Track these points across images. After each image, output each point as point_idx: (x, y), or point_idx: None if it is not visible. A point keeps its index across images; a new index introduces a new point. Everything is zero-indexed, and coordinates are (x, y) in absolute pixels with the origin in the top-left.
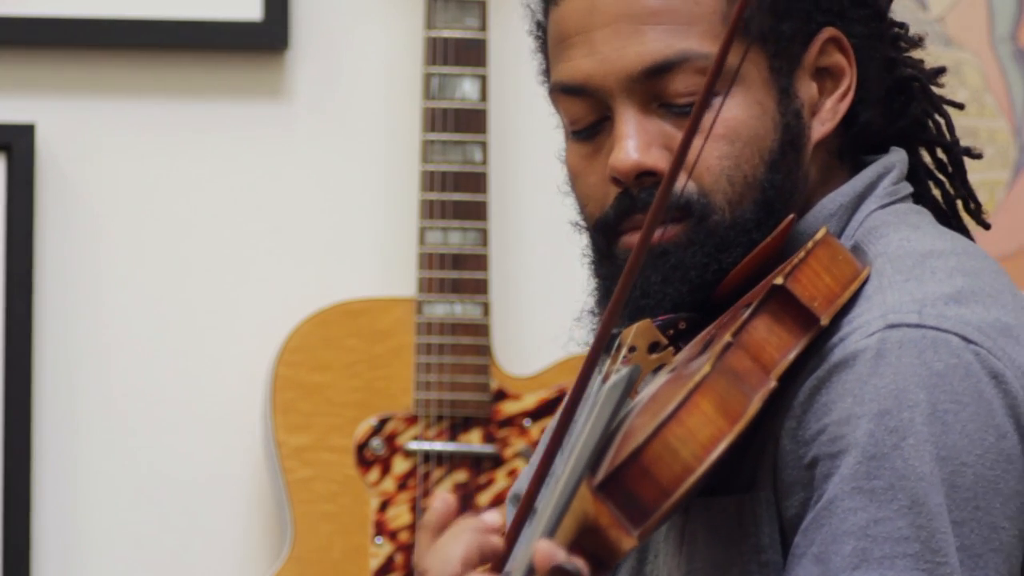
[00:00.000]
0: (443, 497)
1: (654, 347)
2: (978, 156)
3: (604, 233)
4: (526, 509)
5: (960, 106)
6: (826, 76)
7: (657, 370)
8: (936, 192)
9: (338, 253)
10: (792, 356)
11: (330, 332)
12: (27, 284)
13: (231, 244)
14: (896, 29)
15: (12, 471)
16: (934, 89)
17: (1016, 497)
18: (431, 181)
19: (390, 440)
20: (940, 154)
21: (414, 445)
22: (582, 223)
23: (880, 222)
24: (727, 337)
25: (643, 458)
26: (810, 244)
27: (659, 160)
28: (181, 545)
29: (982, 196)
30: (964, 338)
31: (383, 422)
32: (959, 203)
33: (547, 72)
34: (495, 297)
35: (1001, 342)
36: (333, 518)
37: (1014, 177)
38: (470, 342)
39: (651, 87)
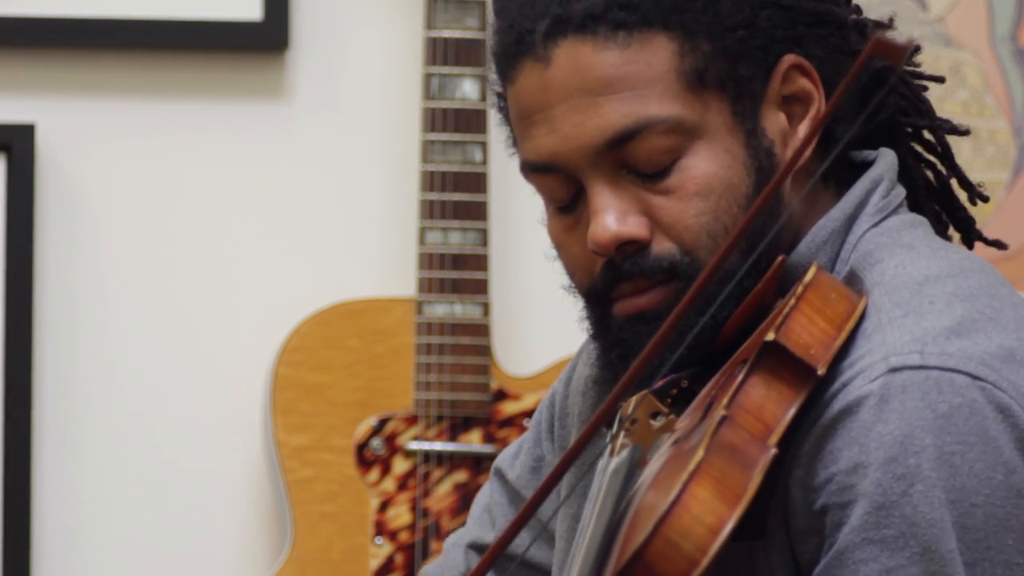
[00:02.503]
0: None
1: (656, 415)
2: (965, 132)
3: (596, 302)
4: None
5: (940, 79)
6: (794, 103)
7: (663, 437)
8: (929, 174)
9: (338, 253)
10: (792, 412)
11: (330, 332)
12: (27, 284)
13: (231, 244)
14: (854, 16)
15: (12, 471)
16: (911, 69)
17: None
18: (431, 181)
19: (390, 440)
20: (928, 136)
21: (414, 445)
22: (574, 292)
23: (874, 245)
24: (720, 411)
25: (646, 557)
26: (800, 288)
27: (637, 228)
28: (181, 545)
29: None
30: (968, 374)
31: (383, 422)
32: (953, 183)
33: (514, 144)
34: (495, 297)
35: (1005, 371)
36: (333, 518)
37: (1014, 177)
38: (470, 342)
39: (617, 156)
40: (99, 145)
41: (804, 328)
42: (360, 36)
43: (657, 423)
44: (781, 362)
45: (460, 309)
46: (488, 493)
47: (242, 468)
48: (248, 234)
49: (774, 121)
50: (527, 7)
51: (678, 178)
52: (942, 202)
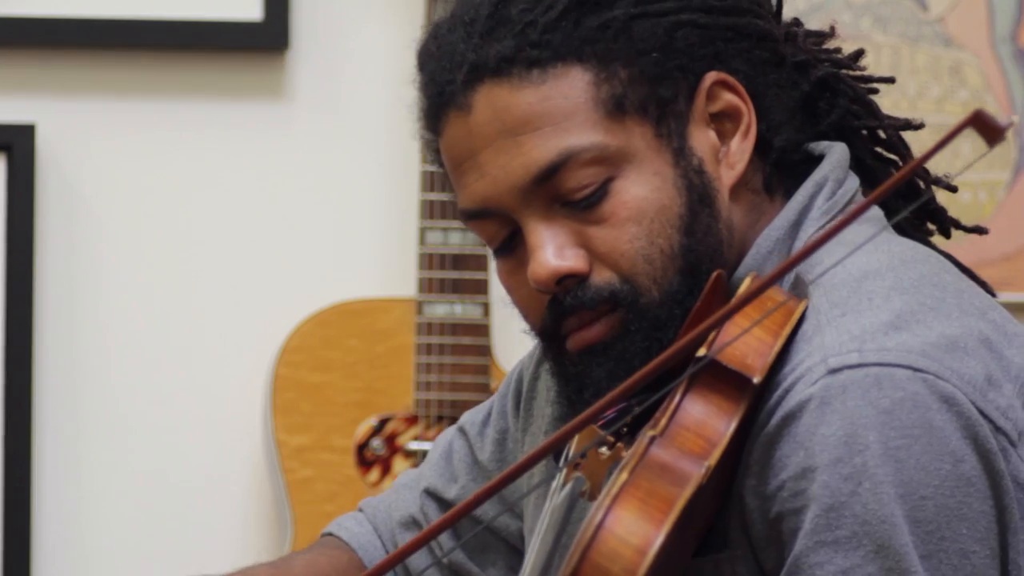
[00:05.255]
0: None
1: (603, 445)
2: (919, 126)
3: (550, 340)
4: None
5: (890, 80)
6: (723, 119)
7: (615, 466)
8: (893, 171)
9: (338, 253)
10: (733, 426)
11: (330, 332)
12: (27, 284)
13: (231, 244)
14: (792, 28)
15: (12, 471)
16: (859, 72)
17: (983, 517)
18: (431, 181)
19: (390, 440)
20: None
21: (414, 445)
22: (529, 329)
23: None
24: (649, 432)
25: None
26: (734, 301)
27: (575, 261)
28: (181, 545)
29: (982, 196)
30: (908, 367)
31: (383, 422)
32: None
33: (454, 195)
34: (495, 297)
35: (947, 360)
36: (333, 518)
37: (1014, 177)
38: (470, 342)
39: (547, 191)
40: (99, 145)
41: (739, 339)
42: (360, 36)
43: (605, 454)
44: (717, 376)
45: (460, 309)
46: (449, 442)
47: (242, 468)
48: (248, 234)
49: (703, 139)
50: (445, 59)
51: (610, 205)
52: (909, 198)
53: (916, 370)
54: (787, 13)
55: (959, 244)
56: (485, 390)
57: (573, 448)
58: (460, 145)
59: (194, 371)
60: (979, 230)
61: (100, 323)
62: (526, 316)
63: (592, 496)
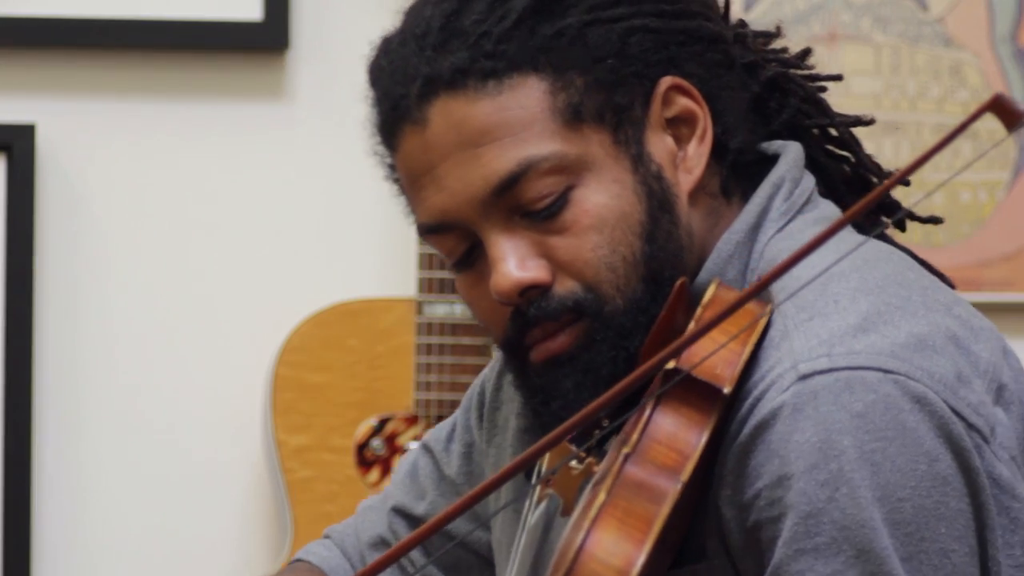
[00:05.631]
0: None
1: (576, 460)
2: (869, 122)
3: (513, 352)
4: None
5: (838, 78)
6: (679, 124)
7: (587, 481)
8: (846, 168)
9: (338, 253)
10: (705, 437)
11: (330, 332)
12: (27, 284)
13: (231, 244)
14: (740, 30)
15: (12, 471)
16: (807, 71)
17: (960, 515)
18: None
19: (390, 440)
20: (835, 133)
21: (414, 445)
22: (493, 341)
23: (778, 251)
24: (624, 449)
25: None
26: (699, 310)
27: (537, 271)
28: (181, 545)
29: (982, 196)
30: (879, 369)
31: (383, 422)
32: (869, 174)
33: (410, 210)
34: None
35: (917, 360)
36: (333, 518)
37: (1014, 177)
38: (470, 342)
39: (507, 202)
40: (99, 145)
41: (706, 349)
42: (360, 36)
43: (577, 468)
44: (686, 388)
45: (460, 309)
46: (413, 461)
47: (242, 468)
48: (248, 234)
49: (660, 145)
50: (398, 73)
51: (571, 214)
52: (863, 193)
53: (886, 371)
54: (787, 13)
55: (960, 244)
56: None
57: (545, 465)
58: (417, 159)
59: (194, 371)
60: (934, 220)
61: (100, 323)
62: (489, 329)
63: (566, 511)
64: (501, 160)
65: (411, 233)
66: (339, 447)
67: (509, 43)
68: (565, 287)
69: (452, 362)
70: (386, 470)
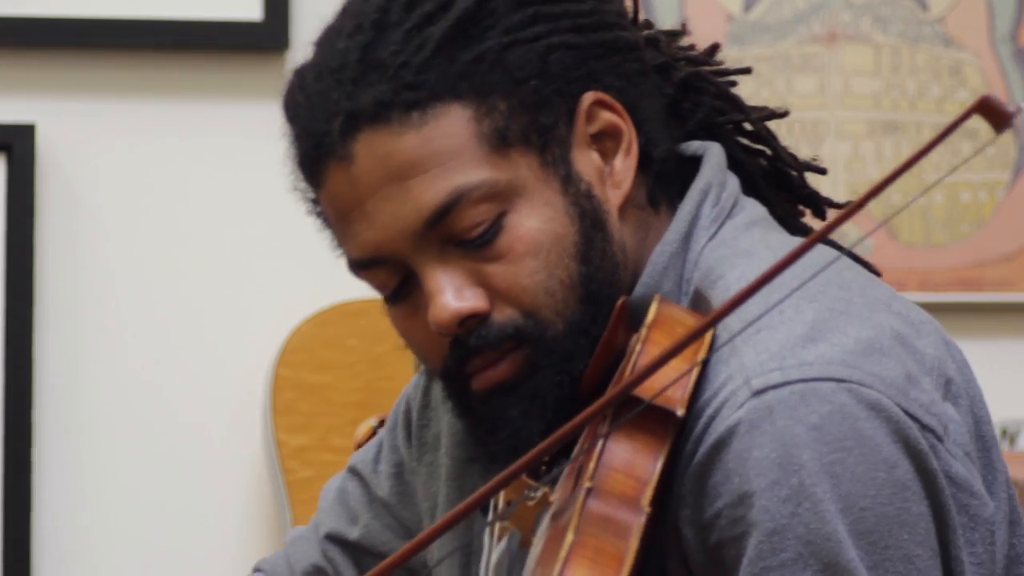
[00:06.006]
0: None
1: (533, 491)
2: (783, 115)
3: (453, 381)
4: None
5: (746, 71)
6: (604, 139)
7: (544, 510)
8: (763, 162)
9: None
10: (661, 462)
11: (330, 332)
12: (27, 284)
13: (231, 244)
14: (648, 32)
15: (12, 471)
16: (715, 67)
17: (921, 519)
18: None
19: None
20: (749, 127)
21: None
22: (429, 372)
23: (714, 260)
24: (586, 483)
25: None
26: (644, 331)
27: (475, 300)
28: (181, 545)
29: (982, 196)
30: (832, 379)
31: (383, 422)
32: (788, 170)
33: (338, 244)
34: None
35: (868, 366)
36: None
37: (1014, 177)
38: None
39: (439, 233)
40: (99, 145)
41: (661, 374)
42: None
43: (532, 499)
44: (639, 413)
45: None
46: (339, 487)
47: (242, 468)
48: (248, 234)
49: (587, 162)
50: (317, 109)
51: (505, 241)
52: (781, 186)
53: (840, 381)
54: (787, 13)
55: (960, 244)
56: None
57: (502, 500)
58: (344, 196)
59: (194, 371)
60: (832, 204)
61: (100, 323)
62: (425, 360)
63: (525, 543)
64: (431, 192)
65: None
66: (339, 447)
67: (429, 72)
68: (504, 315)
69: None
70: None
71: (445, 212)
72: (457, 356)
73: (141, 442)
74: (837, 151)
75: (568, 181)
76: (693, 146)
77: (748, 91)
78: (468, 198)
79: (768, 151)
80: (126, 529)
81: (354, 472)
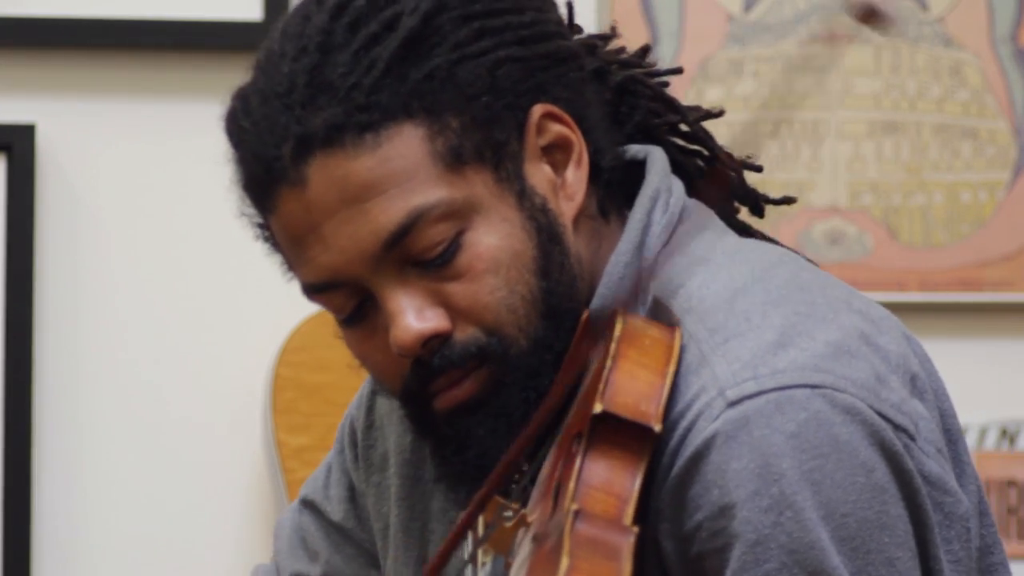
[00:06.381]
0: None
1: (505, 512)
2: (718, 114)
3: (414, 402)
4: None
5: (678, 71)
6: (554, 151)
7: (521, 531)
8: (699, 162)
9: None
10: (639, 479)
11: (330, 332)
12: (27, 284)
13: (231, 244)
14: (580, 37)
15: (12, 471)
16: (647, 70)
17: (899, 522)
18: None
19: None
20: (685, 128)
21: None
22: (387, 393)
23: (671, 268)
24: (572, 504)
25: None
26: (612, 345)
27: (437, 321)
28: (181, 545)
29: (982, 196)
30: (806, 386)
31: None
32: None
33: (290, 268)
34: None
35: (839, 369)
36: None
37: (1014, 177)
38: None
39: (398, 255)
40: (99, 145)
41: (628, 386)
42: None
43: (509, 521)
44: (615, 429)
45: None
46: (295, 523)
47: (242, 468)
48: (248, 234)
49: (540, 175)
50: (265, 133)
51: (464, 259)
52: (721, 188)
53: (813, 387)
54: (787, 13)
55: (960, 244)
56: None
57: (480, 524)
58: (298, 220)
59: (194, 371)
60: (788, 200)
61: (100, 323)
62: (383, 381)
63: (507, 566)
64: (389, 213)
65: None
66: None
67: (380, 93)
68: (466, 333)
69: None
70: None
71: (403, 233)
72: (419, 377)
73: (141, 442)
74: (837, 151)
75: (523, 196)
76: (632, 150)
77: (748, 91)
78: (426, 218)
79: (705, 151)
80: (126, 529)
81: (306, 503)
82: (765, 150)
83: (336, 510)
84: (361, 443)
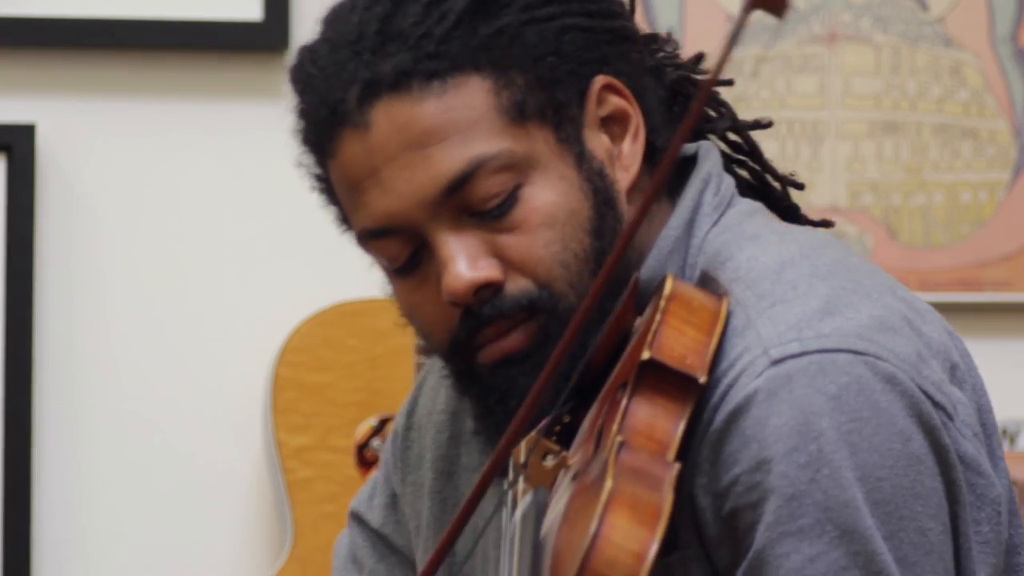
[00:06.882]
0: None
1: (547, 455)
2: (767, 125)
3: (460, 355)
4: None
5: (728, 83)
6: (612, 123)
7: (561, 473)
8: (744, 173)
9: (338, 253)
10: (682, 426)
11: (330, 332)
12: (27, 284)
13: (231, 244)
14: (642, 34)
15: (12, 471)
16: (701, 76)
17: (933, 494)
18: None
19: None
20: (734, 137)
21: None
22: (434, 352)
23: (720, 243)
24: (616, 437)
25: None
26: (662, 302)
27: (490, 270)
28: (181, 545)
29: (982, 196)
30: (849, 351)
31: (383, 422)
32: (768, 178)
33: (345, 220)
34: None
35: (882, 340)
36: (333, 518)
37: (1014, 177)
38: None
39: (455, 202)
40: (99, 145)
41: (675, 340)
42: None
43: (550, 463)
44: (661, 378)
45: None
46: (349, 540)
47: (242, 468)
48: (248, 234)
49: (598, 143)
50: (332, 78)
51: (521, 212)
52: (762, 198)
53: (857, 353)
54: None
55: (960, 244)
56: None
57: (523, 458)
58: (359, 164)
59: (194, 371)
60: (826, 224)
61: (100, 323)
62: (431, 334)
63: (545, 505)
64: (450, 160)
65: None
66: (339, 447)
67: (450, 43)
68: (518, 285)
69: None
70: None
71: (463, 181)
72: (468, 327)
73: (141, 442)
74: (837, 151)
75: (582, 158)
76: (683, 148)
77: (748, 92)
78: (486, 168)
79: (751, 162)
80: (126, 529)
81: (353, 516)
82: (764, 149)
83: (376, 516)
84: (400, 444)
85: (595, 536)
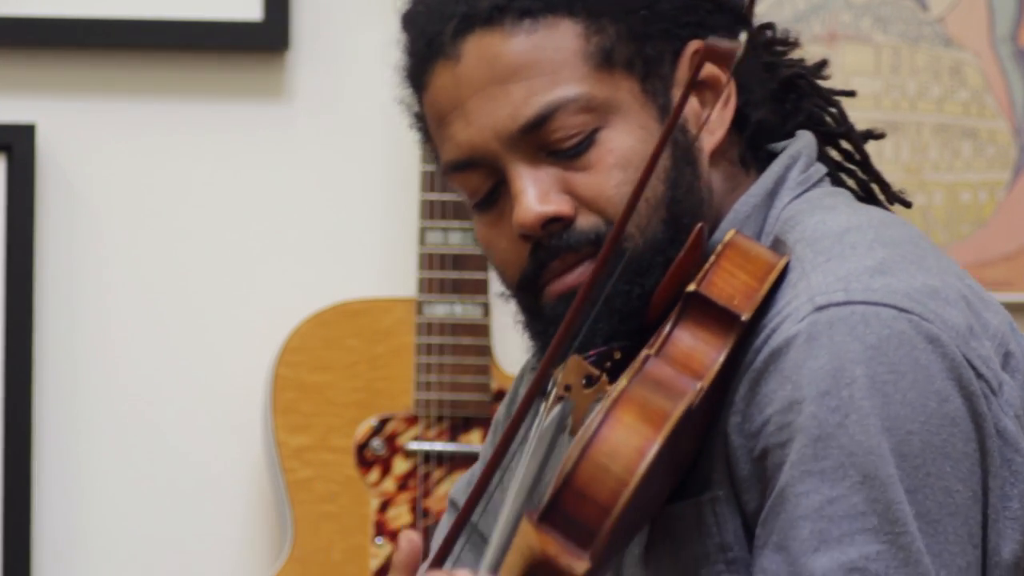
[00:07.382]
0: (408, 537)
1: (589, 381)
2: (880, 136)
3: (528, 290)
4: (459, 526)
5: (851, 94)
6: (704, 88)
7: (596, 402)
8: (851, 182)
9: (338, 253)
10: (721, 358)
11: (330, 332)
12: (27, 284)
13: (231, 244)
14: (768, 32)
15: (12, 471)
16: (821, 83)
17: (965, 459)
18: (431, 181)
19: (390, 440)
20: (846, 145)
21: (414, 445)
22: (507, 291)
23: (795, 211)
24: (646, 351)
25: (575, 481)
26: (720, 247)
27: (561, 204)
28: (181, 545)
29: (982, 196)
30: (894, 307)
31: (383, 422)
32: (875, 188)
33: (436, 155)
34: (495, 297)
35: (932, 305)
36: (333, 518)
37: (1014, 177)
38: (470, 342)
39: (533, 140)
40: (99, 145)
41: (725, 281)
42: (360, 36)
43: (590, 388)
44: (705, 312)
45: (460, 309)
46: (446, 528)
47: (242, 468)
48: (248, 234)
49: (687, 104)
50: (434, 13)
51: (596, 153)
52: (856, 172)
53: (902, 310)
54: (787, 14)
55: (960, 244)
56: (485, 390)
57: (560, 379)
58: (447, 95)
59: (194, 371)
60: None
61: (100, 323)
62: (505, 269)
63: (574, 431)
64: (530, 100)
65: (411, 233)
66: (339, 447)
67: None
68: (587, 221)
69: (452, 362)
70: (386, 470)
71: (541, 121)
72: (537, 260)
73: (141, 442)
74: None
75: (665, 111)
76: (783, 144)
77: None
78: (565, 109)
79: (858, 172)
80: (126, 529)
81: (453, 504)
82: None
83: (463, 494)
84: (503, 417)
85: (600, 426)
